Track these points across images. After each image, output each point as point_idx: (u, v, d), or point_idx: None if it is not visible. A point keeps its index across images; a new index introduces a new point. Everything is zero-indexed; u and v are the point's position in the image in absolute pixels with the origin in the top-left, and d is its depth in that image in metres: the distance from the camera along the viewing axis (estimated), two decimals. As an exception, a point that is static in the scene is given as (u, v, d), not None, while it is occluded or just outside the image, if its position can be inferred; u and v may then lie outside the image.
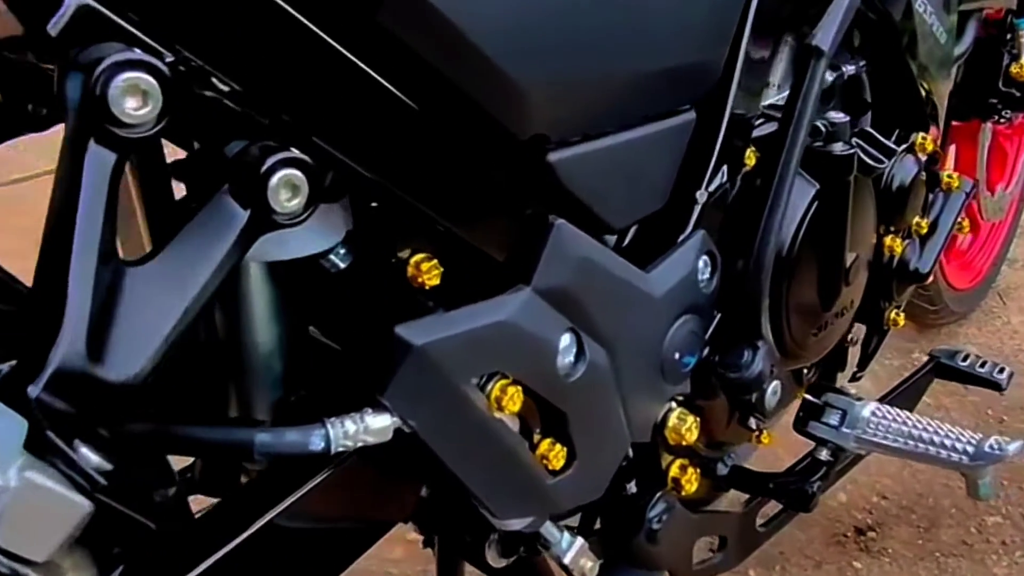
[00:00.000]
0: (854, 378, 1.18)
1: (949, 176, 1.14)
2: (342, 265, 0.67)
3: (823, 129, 0.90)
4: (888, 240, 1.07)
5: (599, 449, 0.75)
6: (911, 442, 0.84)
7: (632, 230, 0.81)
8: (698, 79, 0.81)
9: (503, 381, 0.65)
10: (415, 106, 0.58)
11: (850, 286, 0.99)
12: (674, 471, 0.85)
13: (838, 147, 0.90)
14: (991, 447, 0.82)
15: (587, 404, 0.72)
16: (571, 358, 0.70)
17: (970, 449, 0.82)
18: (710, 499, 1.02)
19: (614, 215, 0.75)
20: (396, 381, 0.60)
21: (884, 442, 0.87)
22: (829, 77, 0.97)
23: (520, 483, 0.70)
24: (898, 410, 0.86)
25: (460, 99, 0.61)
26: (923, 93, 1.10)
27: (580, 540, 0.78)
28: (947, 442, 0.83)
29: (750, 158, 0.86)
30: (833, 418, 0.91)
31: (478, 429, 0.66)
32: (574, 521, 0.83)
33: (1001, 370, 1.08)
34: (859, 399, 0.90)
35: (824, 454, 0.96)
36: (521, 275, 0.66)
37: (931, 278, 1.20)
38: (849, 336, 1.09)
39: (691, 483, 0.85)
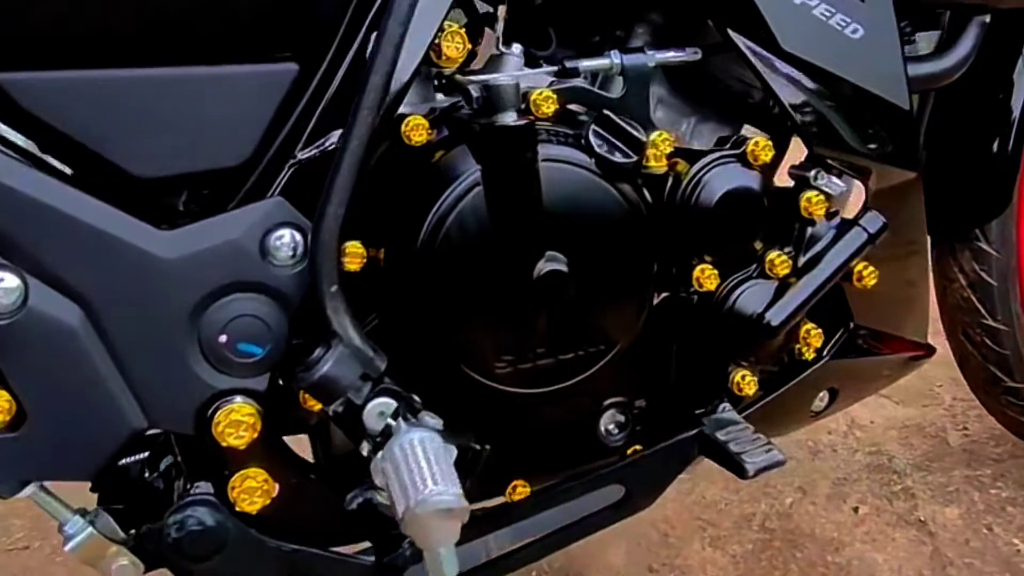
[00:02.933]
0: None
1: (808, 201, 0.85)
2: None
3: (478, 94, 0.73)
4: (701, 272, 0.83)
5: (63, 414, 0.66)
6: (393, 477, 0.62)
7: (210, 188, 0.72)
8: (298, 25, 0.70)
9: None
10: None
11: (584, 313, 0.78)
12: (234, 481, 0.72)
13: (506, 117, 0.71)
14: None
15: (32, 357, 0.64)
16: (11, 300, 0.64)
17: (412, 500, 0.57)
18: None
19: (131, 161, 0.67)
20: None
21: (383, 464, 0.65)
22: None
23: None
24: (441, 447, 0.64)
25: None
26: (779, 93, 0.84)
27: (90, 529, 0.70)
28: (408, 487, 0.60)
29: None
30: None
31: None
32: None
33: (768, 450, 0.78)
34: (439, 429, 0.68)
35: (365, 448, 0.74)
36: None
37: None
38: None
39: (252, 502, 0.72)
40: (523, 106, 0.78)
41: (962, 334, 1.26)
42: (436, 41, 0.78)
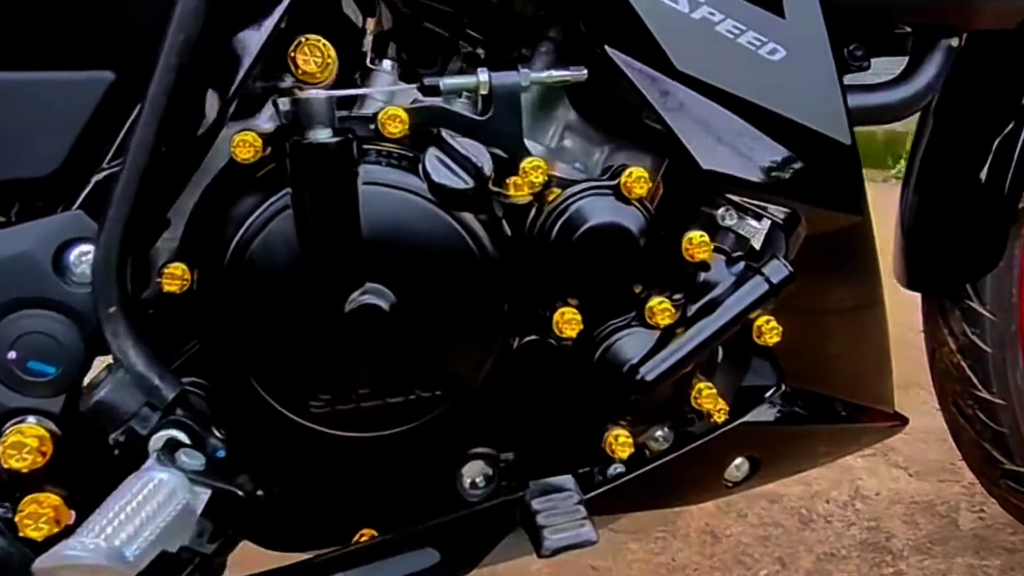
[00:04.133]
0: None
1: (690, 243, 0.74)
2: None
3: (287, 108, 0.67)
4: (561, 316, 0.74)
5: None
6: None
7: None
8: (114, 31, 0.67)
9: None
10: None
11: (413, 353, 0.70)
12: (22, 504, 0.68)
13: (318, 134, 0.65)
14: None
15: None
16: None
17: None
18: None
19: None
20: None
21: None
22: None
23: None
24: (165, 497, 0.57)
25: None
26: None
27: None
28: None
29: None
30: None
31: None
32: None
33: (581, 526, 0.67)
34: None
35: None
36: None
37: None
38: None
39: (37, 528, 0.68)
40: (372, 126, 0.73)
41: (953, 405, 1.10)
42: (292, 54, 0.74)
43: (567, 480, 0.75)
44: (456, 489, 0.80)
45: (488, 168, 0.70)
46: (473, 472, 0.81)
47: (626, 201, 0.74)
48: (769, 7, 0.77)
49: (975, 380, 1.05)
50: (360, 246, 0.67)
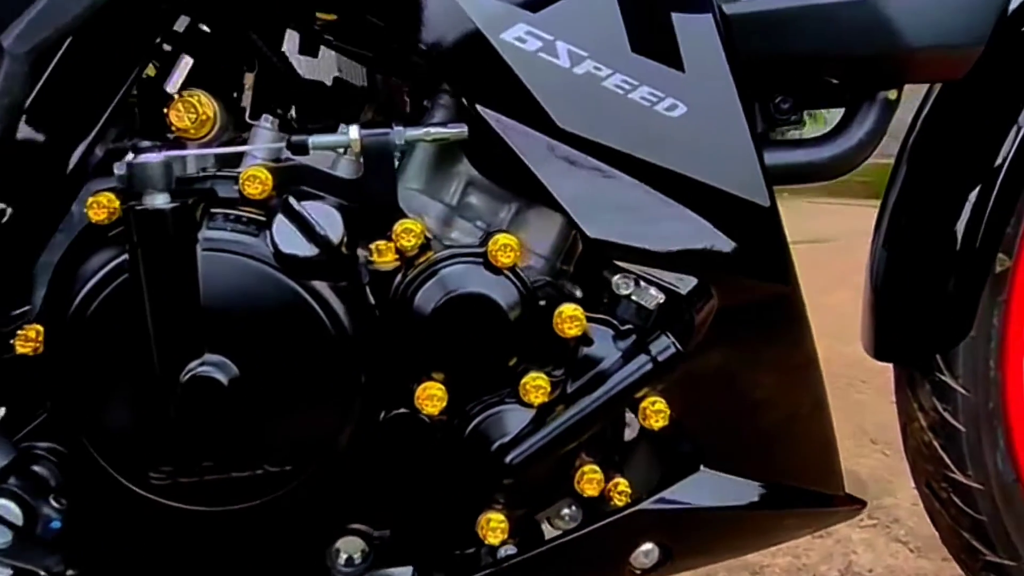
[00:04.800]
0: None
1: (560, 316, 0.68)
2: None
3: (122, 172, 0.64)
4: (423, 391, 0.69)
5: None
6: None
7: None
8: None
9: None
10: None
11: (255, 427, 0.67)
12: None
13: (153, 199, 0.63)
14: None
15: None
16: None
17: None
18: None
19: None
20: None
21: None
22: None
23: None
24: None
25: None
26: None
27: None
28: None
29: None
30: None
31: None
32: None
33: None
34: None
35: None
36: None
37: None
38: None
39: None
40: (236, 186, 0.70)
41: (927, 486, 0.99)
42: (166, 110, 0.73)
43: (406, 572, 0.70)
44: (327, 566, 0.76)
45: (336, 235, 0.66)
46: (349, 548, 0.76)
47: (494, 270, 0.68)
48: (665, 60, 0.71)
49: (948, 461, 0.95)
50: (198, 315, 0.65)
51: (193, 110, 0.73)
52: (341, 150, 0.71)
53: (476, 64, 0.68)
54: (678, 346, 0.70)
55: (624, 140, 0.71)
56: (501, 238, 0.68)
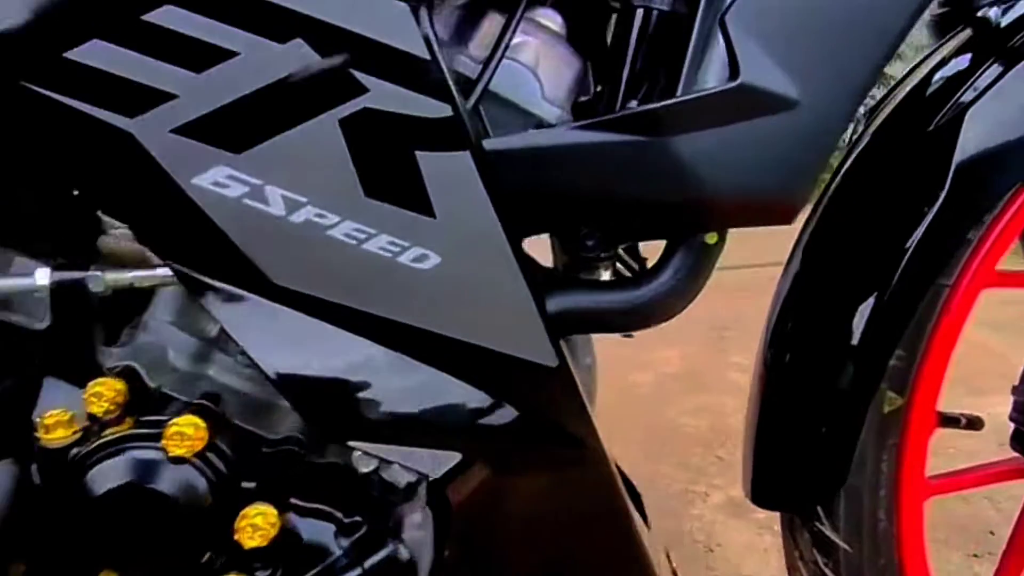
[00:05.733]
0: None
1: (242, 519, 0.57)
2: None
3: None
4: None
5: None
6: None
7: None
8: None
9: None
10: None
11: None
12: None
13: None
14: None
15: None
16: None
17: None
18: None
19: None
20: None
21: None
22: None
23: None
24: None
25: None
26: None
27: None
28: None
29: None
30: None
31: None
32: None
33: None
34: None
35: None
36: None
37: None
38: None
39: None
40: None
41: (813, 644, 0.85)
42: None
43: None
44: None
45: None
46: None
47: (175, 459, 0.57)
48: (409, 205, 0.58)
49: (832, 621, 0.81)
50: None
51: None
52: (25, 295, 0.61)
53: (166, 215, 0.57)
54: (409, 556, 0.58)
55: (358, 297, 0.59)
56: (177, 425, 0.57)
